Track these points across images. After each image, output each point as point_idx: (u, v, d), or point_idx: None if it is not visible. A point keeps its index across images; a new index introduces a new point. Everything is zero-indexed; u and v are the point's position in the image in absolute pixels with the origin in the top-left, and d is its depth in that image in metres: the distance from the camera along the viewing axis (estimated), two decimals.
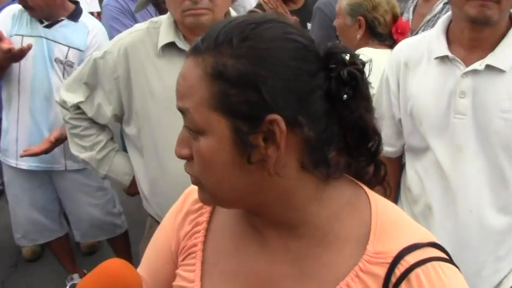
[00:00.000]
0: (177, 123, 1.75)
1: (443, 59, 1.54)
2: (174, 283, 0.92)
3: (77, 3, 2.69)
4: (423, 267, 0.73)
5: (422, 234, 0.78)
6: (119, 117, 1.89)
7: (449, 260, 0.76)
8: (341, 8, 2.33)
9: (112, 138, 2.03)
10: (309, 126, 0.73)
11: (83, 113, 1.91)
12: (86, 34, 2.62)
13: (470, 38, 1.49)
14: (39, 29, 2.57)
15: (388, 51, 2.24)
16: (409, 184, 1.67)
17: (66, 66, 2.59)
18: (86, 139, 1.95)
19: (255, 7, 3.15)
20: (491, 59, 1.46)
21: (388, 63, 1.69)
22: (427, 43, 1.59)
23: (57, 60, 2.57)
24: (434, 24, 3.07)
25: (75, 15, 2.63)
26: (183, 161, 1.79)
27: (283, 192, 0.77)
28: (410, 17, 3.16)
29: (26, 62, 2.55)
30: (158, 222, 1.86)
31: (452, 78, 1.51)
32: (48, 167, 2.70)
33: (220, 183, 0.76)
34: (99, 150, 1.95)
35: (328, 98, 0.74)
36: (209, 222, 0.91)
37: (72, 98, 1.90)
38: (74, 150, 1.99)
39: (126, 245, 3.02)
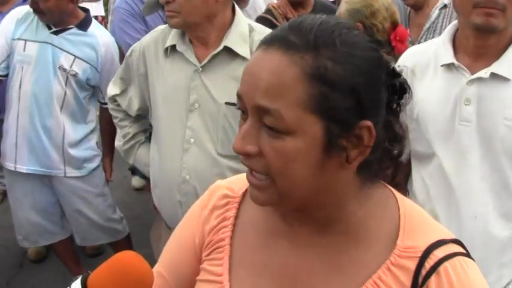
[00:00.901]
0: (175, 123, 1.83)
1: (449, 66, 1.56)
2: (199, 277, 0.93)
3: (87, 11, 2.69)
4: (450, 261, 0.78)
5: (446, 232, 0.83)
6: (144, 111, 2.02)
7: (470, 256, 0.82)
8: (340, 14, 2.34)
9: (145, 131, 2.16)
10: (380, 132, 0.77)
11: (119, 104, 2.07)
12: (96, 47, 2.61)
13: (476, 46, 1.51)
14: (46, 34, 2.56)
15: None
16: (415, 190, 1.68)
17: (70, 75, 2.58)
18: (121, 129, 2.11)
19: (264, 12, 3.16)
20: (496, 67, 1.48)
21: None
22: (434, 50, 1.62)
23: (61, 68, 2.56)
24: (435, 31, 3.15)
25: (84, 23, 2.62)
26: (178, 162, 1.85)
27: (337, 191, 0.80)
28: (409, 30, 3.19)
29: (29, 67, 2.54)
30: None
31: (458, 85, 1.53)
32: (47, 171, 2.71)
33: (298, 182, 0.76)
34: (126, 141, 2.11)
35: (386, 106, 0.79)
36: (236, 217, 0.93)
37: (112, 91, 2.07)
38: (116, 138, 2.18)
39: (129, 249, 2.99)
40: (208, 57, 1.78)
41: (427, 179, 1.62)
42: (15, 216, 2.88)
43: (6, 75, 2.66)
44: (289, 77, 0.71)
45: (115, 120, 2.15)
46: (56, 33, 2.56)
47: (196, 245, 0.95)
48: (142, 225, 3.22)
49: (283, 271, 0.85)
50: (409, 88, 0.82)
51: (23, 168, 2.69)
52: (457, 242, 0.82)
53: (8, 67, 2.64)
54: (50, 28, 2.57)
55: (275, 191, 0.77)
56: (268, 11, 3.13)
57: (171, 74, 1.82)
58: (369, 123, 0.74)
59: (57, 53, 2.56)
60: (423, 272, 0.77)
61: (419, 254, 0.78)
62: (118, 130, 2.16)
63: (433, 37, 3.19)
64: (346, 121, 0.73)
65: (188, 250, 0.96)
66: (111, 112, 2.16)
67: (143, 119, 2.14)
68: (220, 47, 1.77)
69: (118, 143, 2.16)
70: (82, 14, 2.65)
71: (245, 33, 1.80)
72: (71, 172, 2.72)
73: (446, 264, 0.77)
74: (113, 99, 2.10)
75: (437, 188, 1.59)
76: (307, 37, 0.73)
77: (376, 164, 0.80)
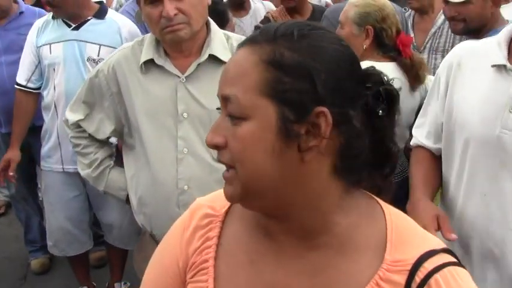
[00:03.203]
0: (164, 135, 1.81)
1: (500, 68, 1.45)
2: None
3: (101, 3, 2.71)
4: (441, 272, 0.76)
5: (435, 241, 0.81)
6: (119, 132, 1.96)
7: (461, 264, 0.80)
8: (348, 17, 2.32)
9: (111, 155, 2.09)
10: (354, 122, 0.75)
11: (84, 131, 1.99)
12: (117, 30, 2.64)
13: None
14: (67, 32, 2.60)
15: (390, 65, 2.25)
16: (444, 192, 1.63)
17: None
18: (85, 157, 2.03)
19: (262, 21, 3.15)
20: None
21: (442, 63, 1.66)
22: (487, 49, 1.51)
23: (89, 59, 2.59)
24: (441, 36, 3.10)
25: (100, 13, 2.66)
26: (171, 174, 1.81)
27: (311, 193, 0.78)
28: (412, 34, 3.16)
29: (59, 68, 2.59)
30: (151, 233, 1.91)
31: (506, 90, 1.42)
32: None
33: (257, 170, 0.76)
34: (95, 168, 2.03)
35: (365, 111, 0.78)
36: (220, 237, 0.90)
37: (73, 117, 1.99)
38: (78, 167, 2.09)
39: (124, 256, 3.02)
40: (194, 66, 1.78)
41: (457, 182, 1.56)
42: (48, 222, 2.87)
43: (39, 88, 2.72)
44: (247, 64, 0.76)
45: (77, 149, 2.02)
46: (76, 28, 2.61)
47: (181, 268, 0.92)
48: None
49: None
50: (398, 97, 0.80)
51: (70, 168, 2.69)
52: (447, 251, 0.80)
53: (39, 79, 2.70)
54: (69, 26, 2.61)
55: (238, 182, 0.77)
56: (265, 19, 3.12)
57: (153, 87, 1.80)
58: (323, 109, 0.73)
59: (82, 46, 2.59)
60: (413, 286, 0.76)
61: (409, 268, 0.77)
62: (80, 159, 2.04)
63: (438, 42, 3.16)
64: (300, 105, 0.73)
65: (173, 273, 0.93)
66: (73, 140, 2.02)
67: (107, 145, 2.07)
68: (206, 56, 1.77)
69: (84, 171, 2.04)
70: (96, 6, 2.68)
71: (224, 41, 1.83)
72: None
73: (437, 276, 0.76)
74: (76, 125, 1.98)
75: (469, 195, 1.52)
76: (269, 32, 0.77)
77: (356, 170, 0.79)
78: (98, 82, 1.89)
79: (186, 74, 1.78)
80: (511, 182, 1.43)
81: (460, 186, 1.55)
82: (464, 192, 1.53)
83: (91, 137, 1.99)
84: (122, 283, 3.07)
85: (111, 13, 2.72)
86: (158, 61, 1.79)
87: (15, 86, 2.75)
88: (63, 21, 2.62)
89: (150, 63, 1.80)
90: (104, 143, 2.04)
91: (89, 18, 2.62)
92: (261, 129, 0.74)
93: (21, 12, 3.14)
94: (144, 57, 1.80)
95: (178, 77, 1.79)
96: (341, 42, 0.78)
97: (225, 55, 1.78)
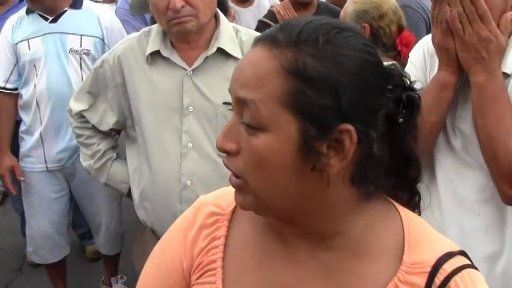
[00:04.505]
0: (167, 129, 1.78)
1: None
2: None
3: None
4: (459, 274, 0.75)
5: (451, 244, 0.80)
6: (122, 124, 1.93)
7: (476, 268, 0.79)
8: (346, 15, 2.31)
9: (114, 147, 2.07)
10: (376, 143, 0.72)
11: (87, 121, 1.97)
12: (96, 19, 2.59)
13: None
14: (45, 26, 2.52)
15: (389, 63, 2.20)
16: None
17: (83, 54, 2.55)
18: (88, 148, 2.01)
19: (266, 15, 3.13)
20: None
21: (414, 49, 1.62)
22: None
23: (72, 50, 2.53)
24: None
25: (77, 2, 2.59)
26: (174, 169, 1.78)
27: (327, 203, 0.75)
28: None
29: (40, 63, 2.50)
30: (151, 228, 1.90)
31: None
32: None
33: (272, 186, 0.72)
34: (97, 159, 2.01)
35: (386, 118, 0.74)
36: (227, 236, 0.86)
37: (77, 107, 1.96)
38: (81, 158, 2.06)
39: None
40: (201, 59, 1.75)
41: None
42: (29, 227, 2.77)
43: (17, 88, 2.60)
44: (267, 69, 0.70)
45: (80, 139, 2.01)
46: (54, 21, 2.53)
47: (185, 270, 0.88)
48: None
49: None
50: (420, 104, 0.77)
51: (55, 166, 2.63)
52: (463, 253, 0.79)
53: (18, 79, 2.58)
54: (46, 19, 2.54)
55: (251, 193, 0.74)
56: (270, 13, 3.10)
57: (158, 79, 1.78)
58: (349, 126, 0.69)
59: (63, 38, 2.53)
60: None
61: (428, 269, 0.75)
62: (83, 149, 2.03)
63: None
64: (323, 122, 0.69)
65: (176, 275, 0.88)
66: (76, 131, 2.00)
67: (111, 136, 2.05)
68: (214, 49, 1.75)
69: (86, 162, 2.03)
70: None
71: (232, 34, 1.81)
72: None
73: (456, 278, 0.75)
74: (80, 115, 1.96)
75: None
76: (291, 34, 0.71)
77: (374, 179, 0.76)
78: (103, 72, 1.87)
79: (193, 66, 1.76)
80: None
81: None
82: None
83: (94, 128, 1.97)
84: (119, 277, 3.05)
85: (87, 2, 2.64)
86: (164, 53, 1.77)
87: None
88: (39, 15, 2.54)
89: (156, 55, 1.78)
90: (107, 134, 2.02)
91: (65, 9, 2.55)
92: (280, 144, 0.70)
93: (21, 0, 3.08)
94: (150, 48, 1.77)
95: (185, 69, 1.76)
96: (368, 49, 0.73)
97: (233, 49, 1.75)
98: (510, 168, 1.29)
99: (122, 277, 3.05)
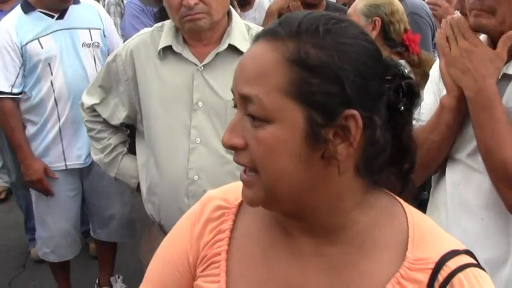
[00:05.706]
0: (176, 124, 1.79)
1: None
2: None
3: None
4: (463, 272, 0.75)
5: (456, 242, 0.80)
6: (132, 118, 1.94)
7: (483, 267, 0.79)
8: (356, 9, 2.36)
9: (124, 142, 2.08)
10: (380, 129, 0.73)
11: (98, 115, 1.99)
12: (96, 12, 2.64)
13: None
14: (53, 23, 2.52)
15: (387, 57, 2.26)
16: None
17: (94, 47, 2.58)
18: (99, 142, 2.02)
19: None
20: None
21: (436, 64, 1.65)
22: None
23: (84, 44, 2.56)
24: None
25: None
26: (182, 163, 1.80)
27: (333, 194, 0.76)
28: None
29: (55, 61, 2.49)
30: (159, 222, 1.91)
31: None
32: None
33: (281, 175, 0.73)
34: (107, 153, 2.02)
35: (386, 106, 0.75)
36: (232, 230, 0.87)
37: (89, 101, 1.98)
38: (91, 151, 2.09)
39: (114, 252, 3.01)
40: (212, 55, 1.77)
41: None
42: (44, 227, 2.73)
43: (21, 93, 2.54)
44: (269, 62, 0.71)
45: (91, 133, 2.03)
46: (60, 17, 2.55)
47: (191, 262, 0.89)
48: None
49: (286, 287, 0.80)
50: (419, 92, 0.78)
51: (74, 164, 2.62)
52: (468, 252, 0.79)
53: (22, 82, 2.52)
54: (51, 17, 2.53)
55: (261, 186, 0.75)
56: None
57: (169, 74, 1.80)
58: (353, 111, 0.71)
59: (73, 34, 2.54)
60: (436, 284, 0.75)
61: (432, 266, 0.76)
62: (94, 143, 2.04)
63: None
64: (328, 108, 0.71)
65: (182, 268, 0.90)
66: (88, 125, 2.02)
67: (121, 131, 2.06)
68: (225, 45, 1.76)
69: (97, 156, 2.04)
70: None
71: (244, 31, 1.82)
72: None
73: (460, 275, 0.75)
74: (92, 109, 1.98)
75: None
76: (291, 26, 0.73)
77: (379, 169, 0.77)
78: (115, 66, 1.89)
79: (204, 62, 1.77)
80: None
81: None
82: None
83: (105, 122, 1.99)
84: (116, 276, 3.04)
85: None
86: (176, 48, 1.79)
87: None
88: (43, 13, 2.51)
89: (168, 50, 1.80)
90: (118, 129, 2.03)
91: (68, 5, 2.56)
92: (287, 133, 0.71)
93: None
94: (162, 43, 1.79)
95: (196, 65, 1.78)
96: (366, 37, 0.75)
97: (244, 46, 1.77)
98: (509, 177, 1.31)
99: (119, 276, 3.05)
